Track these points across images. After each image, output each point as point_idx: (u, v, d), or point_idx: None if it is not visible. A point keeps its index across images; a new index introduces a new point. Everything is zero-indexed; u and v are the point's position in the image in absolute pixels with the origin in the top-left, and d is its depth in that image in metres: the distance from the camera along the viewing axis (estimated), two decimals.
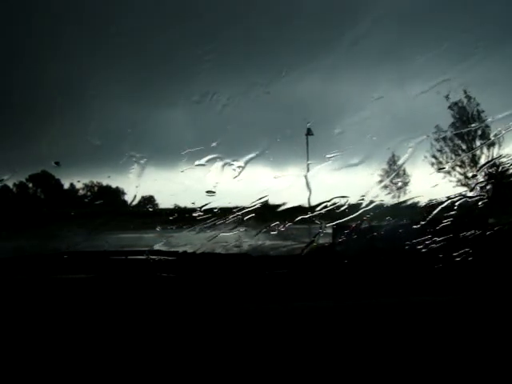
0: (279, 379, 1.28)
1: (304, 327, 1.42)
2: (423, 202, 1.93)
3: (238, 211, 2.00)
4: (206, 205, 1.99)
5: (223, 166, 2.04)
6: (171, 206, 2.01)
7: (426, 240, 1.79)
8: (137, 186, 2.00)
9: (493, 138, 2.23)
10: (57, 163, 2.07)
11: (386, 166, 2.34)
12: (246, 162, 2.03)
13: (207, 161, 2.03)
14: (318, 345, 1.36)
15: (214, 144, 2.09)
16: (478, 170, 2.08)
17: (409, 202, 2.01)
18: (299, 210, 2.04)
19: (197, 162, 2.01)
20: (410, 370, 1.31)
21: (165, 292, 1.58)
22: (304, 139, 2.19)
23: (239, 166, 2.03)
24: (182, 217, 2.00)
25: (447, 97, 2.21)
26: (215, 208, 2.00)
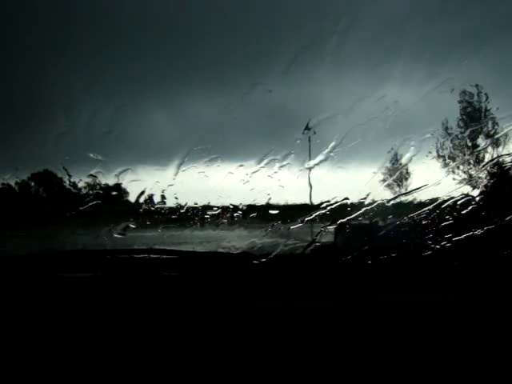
0: (282, 378, 1.28)
1: (305, 326, 1.42)
2: (426, 200, 1.93)
3: (239, 210, 2.00)
4: (208, 204, 1.99)
5: (224, 165, 2.04)
6: (173, 205, 2.02)
7: (429, 239, 1.79)
8: (139, 186, 2.01)
9: (496, 137, 2.23)
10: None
11: (388, 165, 2.33)
12: (248, 161, 2.03)
13: (209, 160, 2.04)
14: (319, 343, 1.36)
15: (215, 143, 2.09)
16: (481, 169, 2.08)
17: (411, 201, 2.00)
18: (301, 208, 2.04)
19: (198, 162, 2.02)
20: (413, 369, 1.31)
21: (167, 291, 1.58)
22: (306, 138, 2.18)
23: (240, 165, 2.03)
24: (183, 216, 2.00)
25: (450, 95, 2.20)
26: (217, 207, 2.00)
